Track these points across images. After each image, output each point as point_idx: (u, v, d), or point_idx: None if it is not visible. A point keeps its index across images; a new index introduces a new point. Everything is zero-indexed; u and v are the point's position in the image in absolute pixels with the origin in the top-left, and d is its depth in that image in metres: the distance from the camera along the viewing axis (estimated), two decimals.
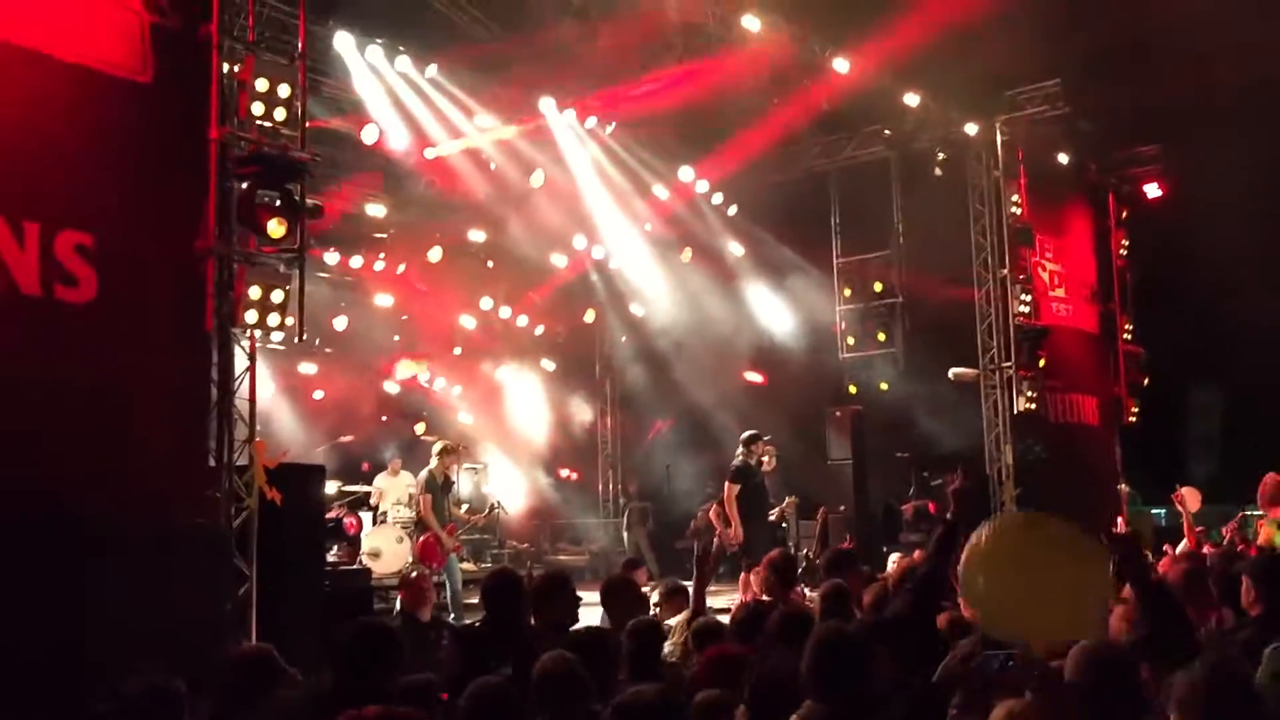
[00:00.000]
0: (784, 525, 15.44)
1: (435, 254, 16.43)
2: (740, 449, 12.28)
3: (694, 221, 17.98)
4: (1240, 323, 26.75)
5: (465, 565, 13.22)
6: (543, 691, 3.81)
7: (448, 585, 11.52)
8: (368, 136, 13.08)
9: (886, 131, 16.70)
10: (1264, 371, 27.05)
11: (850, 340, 17.92)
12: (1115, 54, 16.76)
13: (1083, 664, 3.26)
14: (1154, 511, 20.04)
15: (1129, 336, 19.26)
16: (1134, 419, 19.28)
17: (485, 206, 15.97)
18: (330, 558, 12.09)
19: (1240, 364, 27.41)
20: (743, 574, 11.39)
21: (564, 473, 19.05)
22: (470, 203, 15.82)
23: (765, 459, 12.46)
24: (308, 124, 8.84)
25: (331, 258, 15.61)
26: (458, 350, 18.33)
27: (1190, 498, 10.98)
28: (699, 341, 18.36)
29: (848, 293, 18.01)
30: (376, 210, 15.39)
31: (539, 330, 19.09)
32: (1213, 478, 26.08)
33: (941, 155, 16.50)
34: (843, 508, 16.07)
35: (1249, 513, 11.52)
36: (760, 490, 12.27)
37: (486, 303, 17.96)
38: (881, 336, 17.57)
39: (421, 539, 11.85)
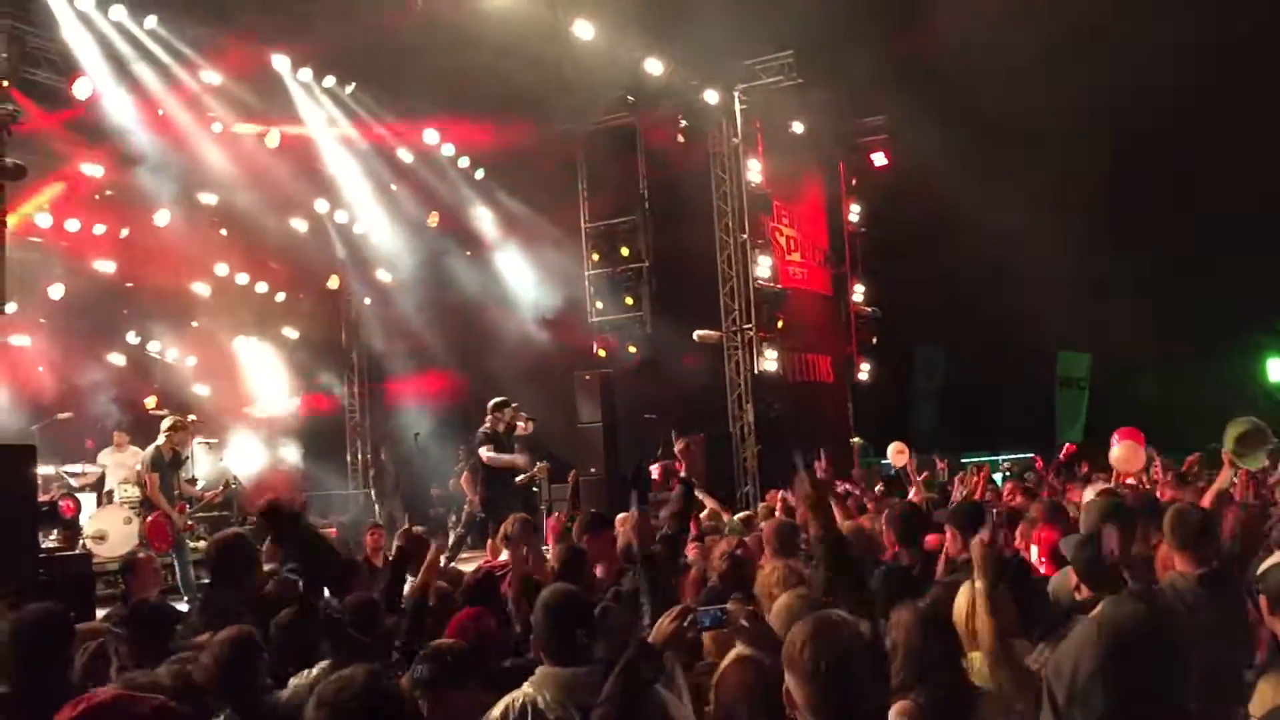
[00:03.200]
0: (535, 489, 15.49)
1: (162, 217, 15.44)
2: (488, 415, 12.25)
3: (440, 185, 17.66)
4: (958, 284, 28.87)
5: (201, 544, 12.58)
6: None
7: (177, 566, 10.96)
8: (80, 91, 12.08)
9: (630, 98, 16.92)
10: (981, 330, 29.32)
11: (598, 304, 18.17)
12: (846, 27, 17.57)
13: (785, 616, 3.44)
14: (883, 462, 21.34)
15: (859, 298, 20.35)
16: (864, 376, 20.39)
17: (216, 167, 15.11)
18: (51, 543, 11.24)
19: (959, 323, 29.60)
20: (489, 539, 11.39)
21: (309, 443, 18.39)
22: (200, 163, 14.94)
23: (520, 424, 12.43)
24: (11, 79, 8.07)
25: (44, 220, 14.44)
26: (194, 323, 17.38)
27: (894, 453, 11.74)
28: (447, 307, 18.10)
29: (596, 257, 18.23)
30: (94, 170, 14.31)
31: (280, 297, 18.31)
32: (934, 429, 28.16)
33: (684, 122, 16.89)
34: (594, 470, 16.24)
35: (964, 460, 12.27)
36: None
37: (221, 269, 17.08)
38: (629, 300, 17.89)
39: (150, 519, 11.21)
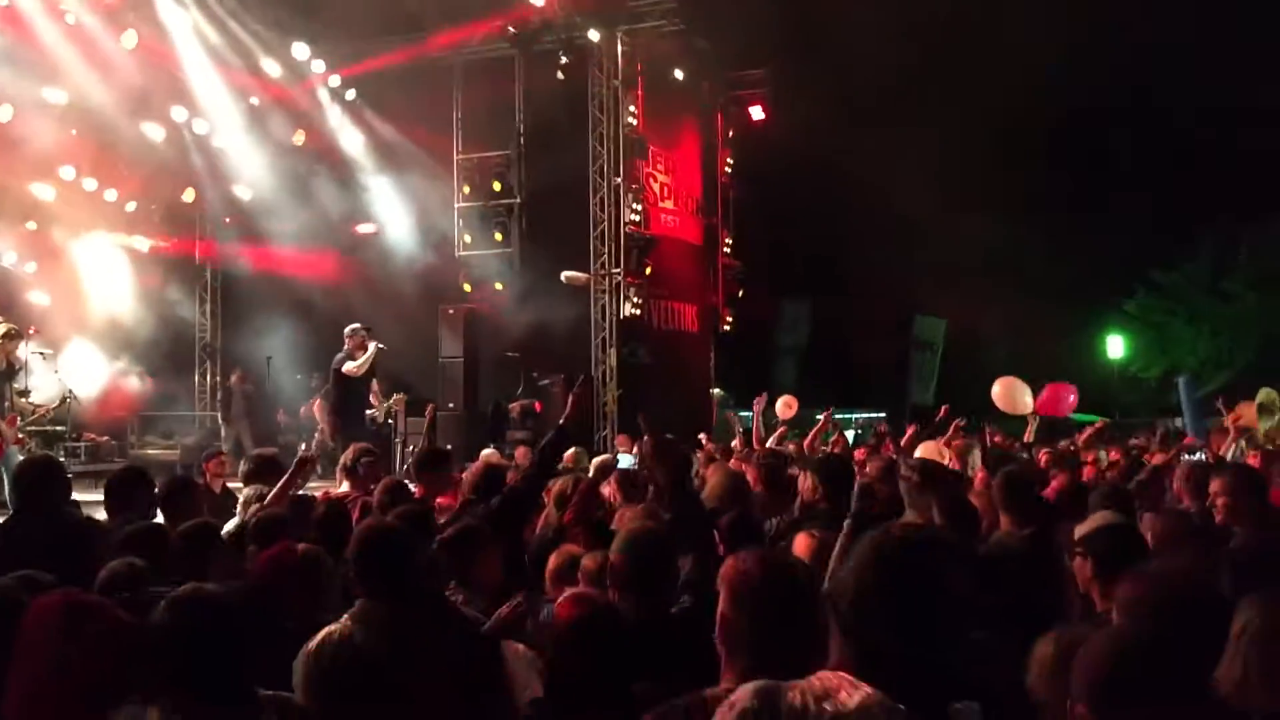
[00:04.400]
0: (390, 421, 15.26)
1: (5, 113, 14.52)
2: (346, 339, 12.08)
3: (308, 103, 17.06)
4: (824, 243, 29.42)
5: None
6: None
7: (5, 479, 10.43)
8: None
9: (511, 29, 16.57)
10: (846, 286, 29.99)
11: (467, 238, 17.87)
12: None
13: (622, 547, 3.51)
14: (742, 414, 21.66)
15: (728, 250, 20.49)
16: (728, 327, 20.58)
17: (67, 65, 14.26)
18: None
19: (823, 281, 30.23)
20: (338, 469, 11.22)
21: (155, 361, 17.68)
22: (48, 58, 14.07)
23: (370, 348, 12.18)
24: None
25: None
26: (31, 224, 16.43)
27: (784, 407, 11.88)
28: (309, 230, 17.56)
29: (467, 190, 17.90)
30: None
31: (131, 206, 17.44)
32: (794, 383, 28.74)
33: (565, 59, 16.63)
34: (452, 405, 16.09)
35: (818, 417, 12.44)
36: (356, 384, 12.08)
37: (68, 172, 16.15)
38: (499, 236, 17.64)
39: None
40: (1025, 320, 31.25)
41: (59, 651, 2.68)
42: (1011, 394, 10.45)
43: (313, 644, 3.09)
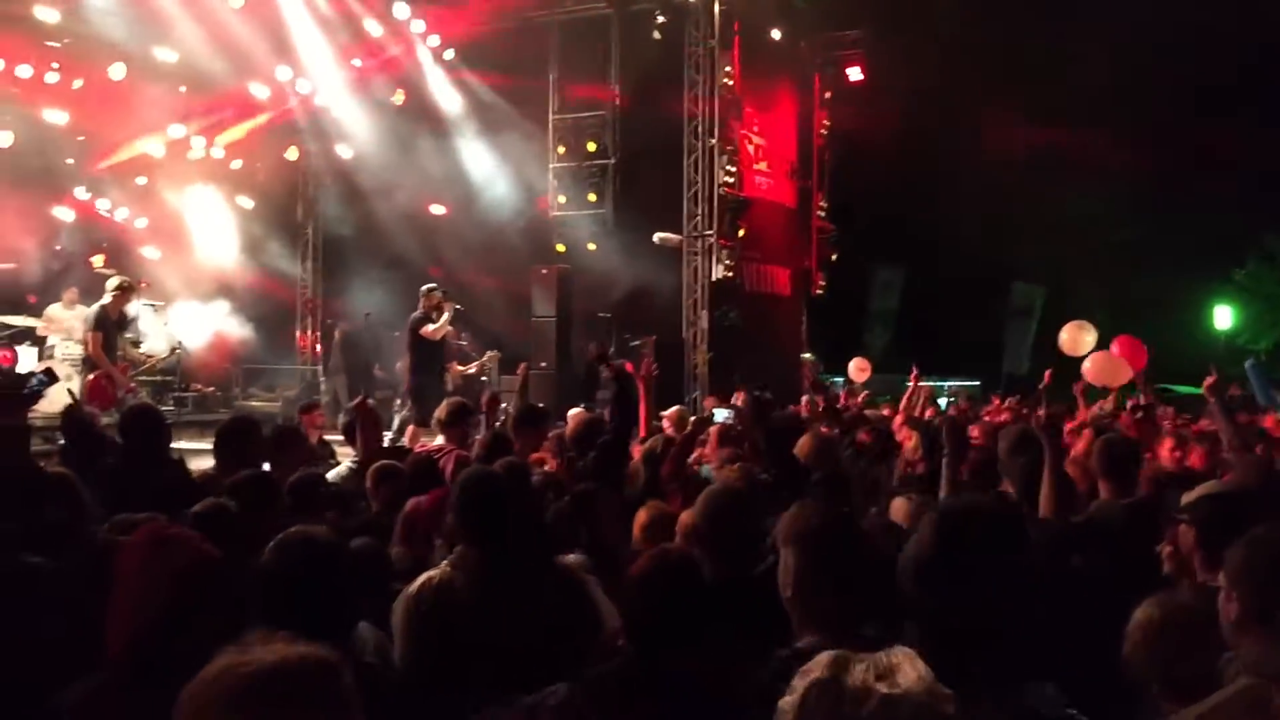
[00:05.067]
0: (484, 379, 15.51)
1: (118, 71, 14.99)
2: (420, 299, 12.20)
3: (408, 63, 17.26)
4: (922, 208, 28.94)
5: None
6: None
7: None
8: None
9: None
10: (940, 253, 29.49)
11: (561, 199, 17.97)
12: None
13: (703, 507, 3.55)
14: (835, 380, 21.53)
15: (822, 213, 20.28)
16: (821, 292, 20.41)
17: (177, 24, 14.64)
18: None
19: (920, 246, 29.76)
20: (409, 426, 11.46)
21: (259, 315, 18.21)
22: (160, 17, 14.46)
23: (446, 310, 12.24)
24: None
25: None
26: (142, 180, 16.97)
27: (855, 369, 11.79)
28: (407, 189, 17.82)
29: (561, 150, 17.97)
30: (48, 15, 13.82)
31: (236, 165, 17.92)
32: (888, 349, 28.46)
33: (661, 19, 16.56)
34: (544, 364, 16.26)
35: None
36: (434, 344, 12.19)
37: (177, 130, 16.64)
38: (592, 197, 17.71)
39: (91, 377, 11.08)
40: (1128, 289, 30.43)
41: (145, 582, 2.72)
42: (1076, 336, 10.21)
43: (413, 587, 3.21)
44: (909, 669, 1.70)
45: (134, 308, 12.61)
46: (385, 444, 9.14)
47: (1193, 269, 30.01)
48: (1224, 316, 31.95)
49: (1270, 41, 26.27)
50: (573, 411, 8.59)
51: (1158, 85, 27.42)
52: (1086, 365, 10.25)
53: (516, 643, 2.97)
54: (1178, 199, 28.59)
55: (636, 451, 6.06)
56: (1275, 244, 31.69)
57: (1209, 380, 5.81)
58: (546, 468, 6.07)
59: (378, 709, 2.70)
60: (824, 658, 1.76)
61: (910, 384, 10.20)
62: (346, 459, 6.68)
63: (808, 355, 20.96)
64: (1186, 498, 3.95)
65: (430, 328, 11.94)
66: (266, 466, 5.40)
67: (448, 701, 2.90)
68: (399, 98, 17.44)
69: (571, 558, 3.81)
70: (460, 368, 15.03)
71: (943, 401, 18.61)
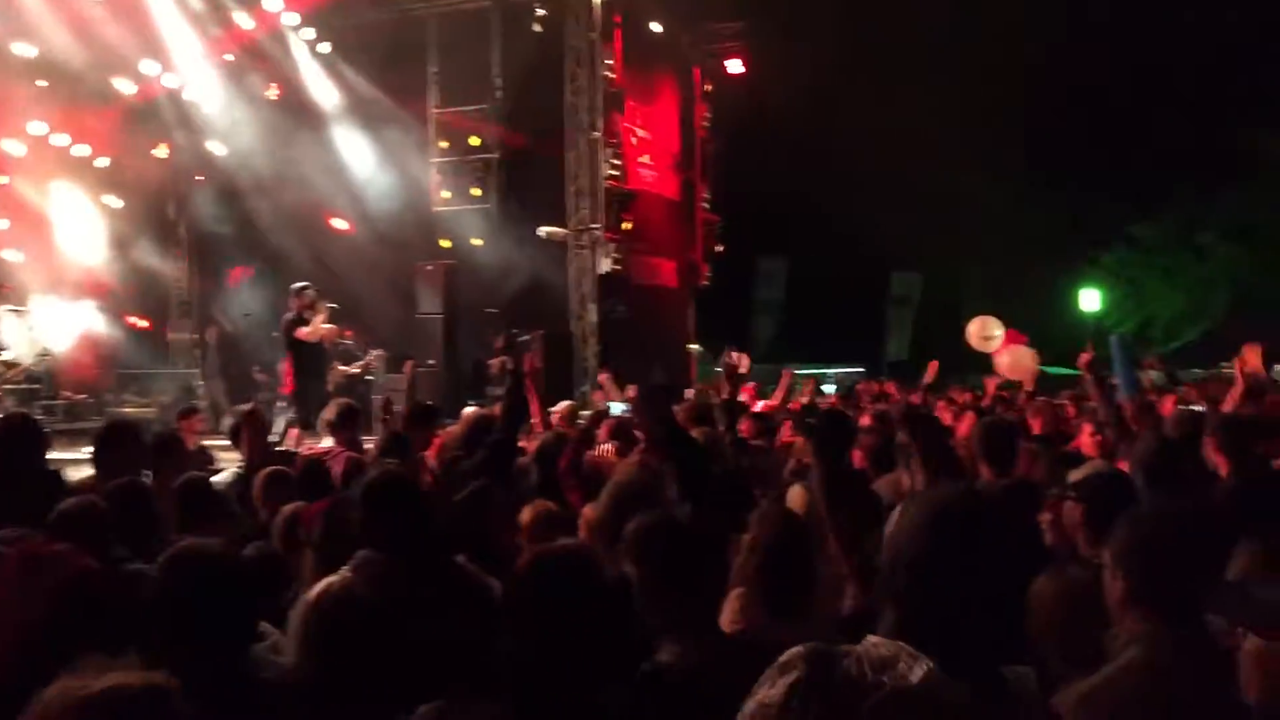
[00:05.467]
0: (369, 378, 15.22)
1: None
2: (291, 300, 11.81)
3: (281, 56, 16.82)
4: (803, 198, 29.39)
5: None
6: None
7: None
8: None
9: None
10: (821, 243, 30.00)
11: (445, 194, 17.74)
12: None
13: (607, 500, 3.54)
14: (718, 370, 21.68)
15: (706, 205, 20.43)
16: (707, 283, 20.57)
17: (36, 17, 14.01)
18: None
19: (800, 235, 30.23)
20: (290, 429, 11.19)
21: (132, 319, 17.54)
22: (18, 10, 13.82)
23: (319, 310, 11.87)
24: None
25: None
26: (2, 179, 16.21)
27: (740, 360, 11.84)
28: (284, 186, 17.37)
29: (444, 145, 17.75)
30: None
31: (102, 162, 17.22)
32: (772, 339, 28.86)
33: (541, 11, 16.45)
34: (431, 362, 16.04)
35: (796, 372, 12.57)
36: (314, 345, 11.87)
37: (38, 127, 15.92)
38: (476, 191, 17.52)
39: None
40: (1000, 275, 31.38)
41: (13, 602, 2.63)
42: (983, 328, 10.51)
43: (312, 595, 3.11)
44: (909, 660, 1.66)
45: None
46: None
47: (1061, 254, 31.10)
48: (1091, 299, 33.18)
49: (1138, 32, 27.41)
50: (467, 410, 8.50)
51: (1029, 77, 28.33)
52: (1000, 360, 10.55)
53: (421, 651, 2.90)
54: (1048, 187, 29.59)
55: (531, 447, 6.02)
56: (1138, 229, 33.06)
57: (1085, 356, 5.97)
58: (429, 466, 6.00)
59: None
60: (797, 652, 1.70)
61: (780, 385, 10.30)
62: (231, 465, 6.49)
63: (695, 346, 21.13)
64: (1074, 475, 4.08)
65: (305, 330, 11.59)
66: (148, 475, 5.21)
67: (347, 714, 2.81)
68: (273, 92, 16.99)
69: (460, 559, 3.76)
70: (344, 368, 14.72)
71: (827, 388, 18.96)
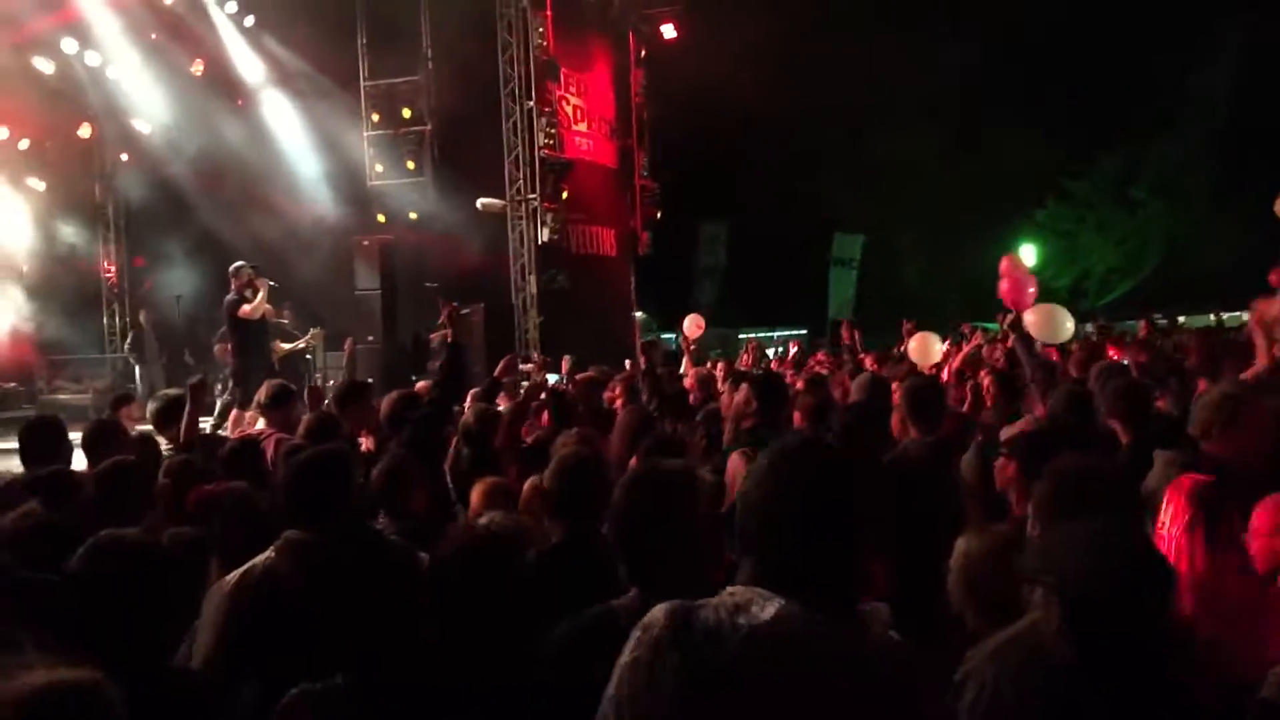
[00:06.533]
0: (309, 356, 15.03)
1: None
2: (231, 280, 11.66)
3: (205, 31, 16.45)
4: (742, 162, 29.42)
5: None
6: None
7: None
8: None
9: None
10: (762, 206, 30.09)
11: (378, 168, 17.52)
12: None
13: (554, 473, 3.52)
14: (665, 337, 21.72)
15: (645, 172, 20.33)
16: (648, 250, 20.53)
17: None
18: None
19: (741, 199, 30.29)
20: (233, 410, 11.02)
21: (61, 303, 17.15)
22: None
23: (260, 286, 11.72)
24: None
25: None
26: None
27: (691, 325, 11.82)
28: (213, 163, 17.04)
29: (376, 118, 17.50)
30: None
31: (23, 144, 16.77)
32: (716, 303, 28.92)
33: None
34: (371, 338, 15.87)
35: (741, 336, 12.57)
36: (256, 323, 11.72)
37: None
38: (410, 165, 17.34)
39: None
40: (940, 233, 31.67)
41: None
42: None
43: (232, 579, 3.06)
44: (761, 601, 1.69)
45: None
46: (205, 431, 8.74)
47: (999, 210, 31.44)
48: (1028, 254, 33.61)
49: None
50: (420, 385, 8.42)
51: (965, 36, 28.51)
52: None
53: (347, 629, 2.86)
54: (984, 144, 29.83)
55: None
56: (1072, 185, 33.48)
57: (1009, 317, 6.04)
58: (364, 447, 5.94)
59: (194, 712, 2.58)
60: (659, 610, 1.73)
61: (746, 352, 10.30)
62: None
63: (639, 314, 21.12)
64: (1006, 432, 4.13)
65: (246, 308, 11.46)
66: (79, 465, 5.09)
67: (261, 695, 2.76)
68: (198, 68, 16.62)
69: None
70: (284, 346, 14.53)
71: (770, 351, 19.04)
